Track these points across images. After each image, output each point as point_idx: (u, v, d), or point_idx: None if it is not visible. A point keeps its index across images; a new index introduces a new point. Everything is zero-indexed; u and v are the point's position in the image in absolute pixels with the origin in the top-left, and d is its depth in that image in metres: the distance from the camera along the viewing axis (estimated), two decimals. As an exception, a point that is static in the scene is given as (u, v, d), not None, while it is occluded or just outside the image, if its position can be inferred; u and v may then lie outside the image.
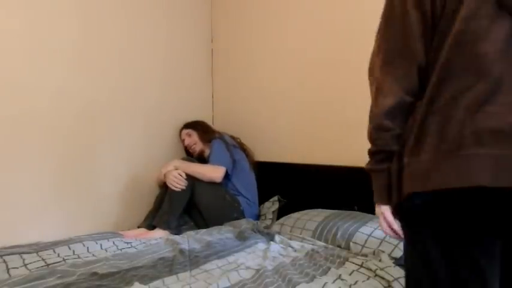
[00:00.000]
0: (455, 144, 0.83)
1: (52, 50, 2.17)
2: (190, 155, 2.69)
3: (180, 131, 2.75)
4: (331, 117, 2.42)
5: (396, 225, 1.00)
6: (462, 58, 0.86)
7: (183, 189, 2.31)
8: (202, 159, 2.63)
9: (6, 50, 2.01)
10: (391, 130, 0.95)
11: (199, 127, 2.72)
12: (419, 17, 0.91)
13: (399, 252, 1.72)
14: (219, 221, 2.33)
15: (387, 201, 0.99)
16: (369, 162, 1.02)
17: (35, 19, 2.10)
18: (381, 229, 1.04)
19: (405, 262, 0.96)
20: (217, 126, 2.90)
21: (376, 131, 0.98)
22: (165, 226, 2.26)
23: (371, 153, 1.01)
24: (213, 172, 2.37)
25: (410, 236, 0.93)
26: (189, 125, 2.74)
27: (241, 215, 2.39)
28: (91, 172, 2.34)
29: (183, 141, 2.71)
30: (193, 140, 2.66)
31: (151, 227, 2.33)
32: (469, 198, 0.82)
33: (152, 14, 2.64)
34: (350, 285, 1.47)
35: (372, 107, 0.99)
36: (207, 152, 2.58)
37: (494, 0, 0.84)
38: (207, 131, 2.68)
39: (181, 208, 2.33)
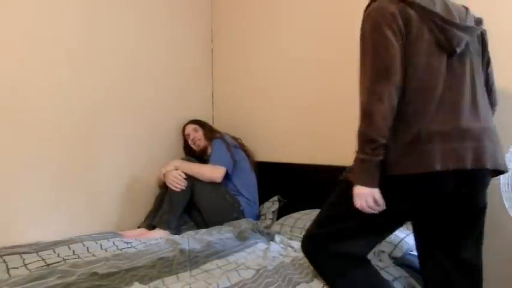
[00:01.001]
0: (414, 142, 1.21)
1: (53, 50, 2.17)
2: (189, 155, 2.69)
3: (185, 125, 2.74)
4: (331, 117, 2.42)
5: (381, 200, 1.28)
6: (415, 84, 1.23)
7: (182, 190, 2.31)
8: (202, 158, 2.63)
9: (8, 50, 2.01)
10: (385, 130, 1.22)
11: (206, 125, 2.74)
12: (399, 49, 1.22)
13: (399, 252, 1.73)
14: (219, 221, 2.33)
15: (377, 185, 1.25)
16: (365, 152, 1.24)
17: (36, 20, 2.11)
18: (362, 206, 1.28)
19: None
20: (217, 126, 2.90)
21: (375, 128, 1.22)
22: (165, 226, 2.26)
23: (369, 145, 1.22)
24: (213, 172, 2.37)
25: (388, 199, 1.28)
26: (195, 121, 2.75)
27: (241, 215, 2.39)
28: (91, 172, 2.34)
29: (187, 135, 2.70)
30: (199, 135, 2.66)
31: (151, 227, 2.33)
32: (425, 178, 1.21)
33: (152, 14, 2.64)
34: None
35: (369, 110, 1.23)
36: (209, 150, 2.58)
37: (435, 40, 1.23)
38: (211, 131, 2.70)
39: (181, 208, 2.33)
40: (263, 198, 2.58)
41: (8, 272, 1.59)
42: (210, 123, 2.89)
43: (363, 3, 2.28)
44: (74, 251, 1.84)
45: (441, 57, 1.24)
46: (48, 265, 1.67)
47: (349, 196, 1.29)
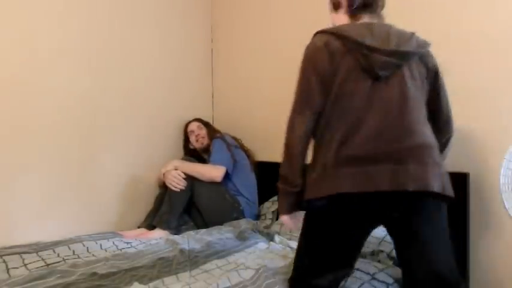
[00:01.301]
0: (329, 166, 1.28)
1: (53, 50, 2.17)
2: (189, 154, 2.69)
3: (189, 123, 2.73)
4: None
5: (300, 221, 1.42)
6: (337, 110, 1.31)
7: (182, 190, 2.31)
8: (202, 158, 2.63)
9: (7, 51, 2.01)
10: (299, 162, 1.36)
11: (209, 125, 2.76)
12: (318, 81, 1.35)
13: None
14: (219, 221, 2.33)
15: (293, 209, 1.41)
16: (283, 183, 1.38)
17: (37, 21, 2.11)
18: (289, 228, 1.50)
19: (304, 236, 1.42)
20: (217, 126, 2.90)
21: (289, 161, 1.37)
22: (165, 226, 2.26)
23: (281, 179, 1.38)
24: (213, 172, 2.37)
25: (309, 222, 1.39)
26: (199, 120, 2.75)
27: (241, 215, 2.39)
28: (91, 172, 2.34)
29: (190, 132, 2.69)
30: (203, 133, 2.66)
31: (151, 227, 2.33)
32: (337, 200, 1.28)
33: (153, 15, 2.64)
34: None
35: (285, 141, 1.38)
36: (210, 149, 2.58)
37: (360, 67, 1.29)
38: (214, 131, 2.71)
39: (181, 208, 2.33)
40: (263, 198, 2.58)
41: (7, 272, 1.60)
42: (210, 123, 2.89)
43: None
44: (73, 251, 1.84)
45: (366, 82, 1.30)
46: (48, 265, 1.67)
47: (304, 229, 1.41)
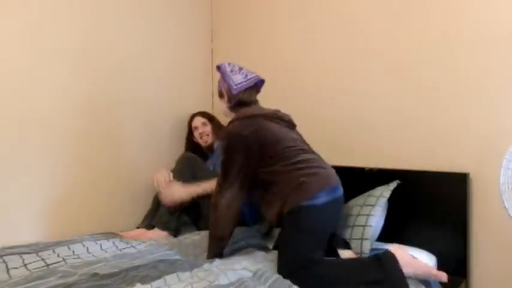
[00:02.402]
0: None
1: (53, 50, 2.16)
2: (191, 149, 2.62)
3: (194, 116, 2.67)
4: (331, 117, 2.42)
5: None
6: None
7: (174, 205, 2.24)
8: (205, 155, 2.58)
9: (8, 50, 2.01)
10: (228, 234, 1.83)
11: (214, 120, 2.68)
12: (241, 167, 1.77)
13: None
14: None
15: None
16: (213, 248, 1.81)
17: (36, 20, 2.10)
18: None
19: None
20: (217, 126, 2.89)
21: (219, 227, 1.80)
22: (164, 227, 2.25)
23: (217, 242, 1.81)
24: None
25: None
26: (205, 115, 2.67)
27: (240, 216, 2.35)
28: (90, 172, 2.33)
29: (195, 128, 2.63)
30: (208, 130, 2.60)
31: (150, 226, 2.32)
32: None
33: (152, 14, 2.64)
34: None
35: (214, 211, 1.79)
36: (214, 146, 2.54)
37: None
38: (219, 127, 2.63)
39: (179, 209, 2.31)
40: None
41: (8, 272, 1.59)
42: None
43: (362, 3, 2.29)
44: (73, 251, 1.83)
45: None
46: (48, 265, 1.66)
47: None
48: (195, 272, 1.56)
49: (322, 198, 1.69)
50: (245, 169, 1.76)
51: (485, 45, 1.95)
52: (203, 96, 2.97)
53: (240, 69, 2.02)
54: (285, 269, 1.59)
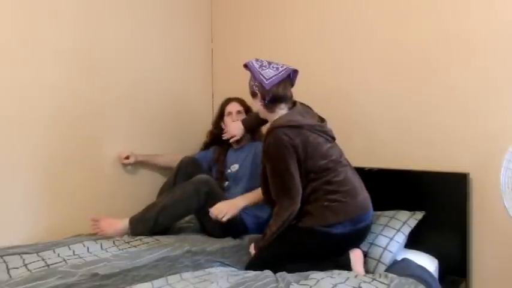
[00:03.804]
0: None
1: (52, 49, 2.16)
2: (214, 137, 2.49)
3: (231, 100, 2.46)
4: (331, 117, 2.42)
5: None
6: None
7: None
8: (224, 142, 2.39)
9: (6, 50, 2.01)
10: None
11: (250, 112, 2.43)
12: (297, 175, 1.74)
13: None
14: (221, 235, 2.11)
15: None
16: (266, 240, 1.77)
17: (35, 19, 2.10)
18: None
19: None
20: (217, 126, 2.89)
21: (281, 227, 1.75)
22: (136, 223, 2.09)
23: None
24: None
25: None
26: (243, 103, 2.45)
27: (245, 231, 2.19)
28: (90, 172, 2.33)
29: (229, 113, 2.41)
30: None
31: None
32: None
33: (152, 14, 2.64)
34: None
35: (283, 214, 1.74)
36: (243, 142, 2.39)
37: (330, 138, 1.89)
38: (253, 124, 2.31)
39: (171, 221, 2.16)
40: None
41: (8, 272, 1.59)
42: (210, 122, 2.87)
43: (363, 4, 2.29)
44: (74, 251, 1.83)
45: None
46: (48, 265, 1.66)
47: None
48: (197, 274, 1.56)
49: (339, 230, 1.69)
50: (297, 176, 1.74)
51: (485, 45, 1.95)
52: (203, 96, 2.97)
53: (270, 63, 1.92)
54: (260, 262, 1.71)
